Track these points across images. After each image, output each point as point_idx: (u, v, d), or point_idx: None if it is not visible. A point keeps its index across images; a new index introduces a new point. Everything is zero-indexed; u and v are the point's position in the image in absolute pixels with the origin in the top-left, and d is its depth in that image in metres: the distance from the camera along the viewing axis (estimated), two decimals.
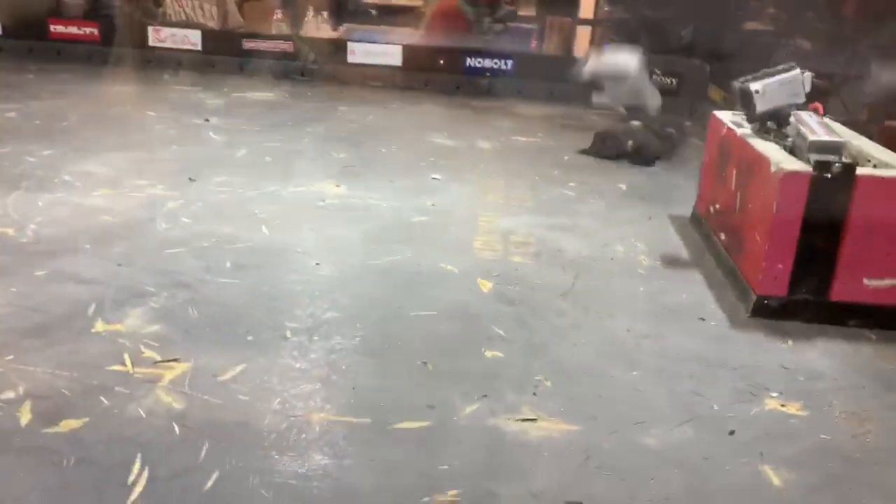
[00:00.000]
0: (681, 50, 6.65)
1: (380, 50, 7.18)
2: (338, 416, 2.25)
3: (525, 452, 2.16)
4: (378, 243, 3.55)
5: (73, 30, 7.35)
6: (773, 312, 3.03)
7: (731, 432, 2.31)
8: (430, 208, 4.06)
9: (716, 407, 2.44)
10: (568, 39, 9.10)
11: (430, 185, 4.45)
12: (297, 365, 2.51)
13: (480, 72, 7.14)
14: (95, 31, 7.30)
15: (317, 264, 3.28)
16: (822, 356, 2.81)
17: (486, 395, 2.41)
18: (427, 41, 7.30)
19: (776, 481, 2.12)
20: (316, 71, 7.25)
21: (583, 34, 9.46)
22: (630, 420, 2.34)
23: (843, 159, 2.98)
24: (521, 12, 10.28)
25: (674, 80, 6.71)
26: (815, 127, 3.09)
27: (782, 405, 2.48)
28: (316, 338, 2.69)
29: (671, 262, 3.60)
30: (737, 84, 3.33)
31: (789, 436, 2.32)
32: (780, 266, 3.00)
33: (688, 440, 2.26)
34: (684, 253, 3.71)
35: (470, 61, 7.13)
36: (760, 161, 3.08)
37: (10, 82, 6.33)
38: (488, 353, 2.67)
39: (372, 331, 2.76)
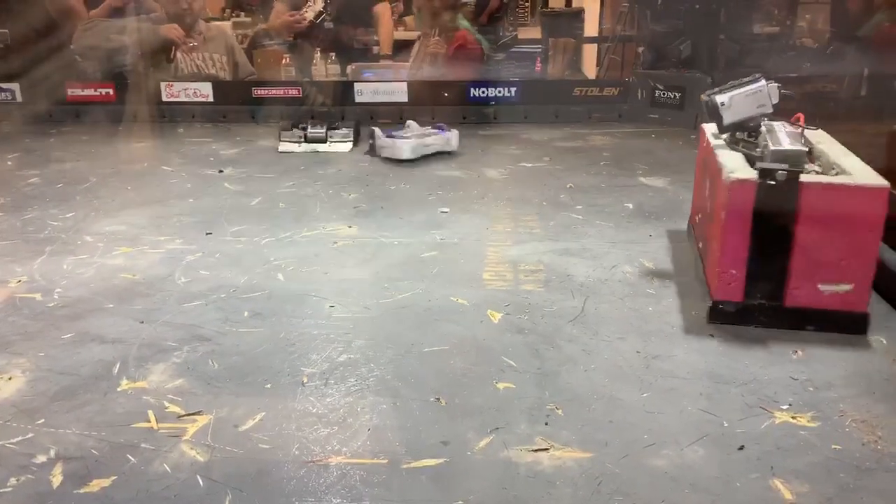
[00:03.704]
0: (680, 64, 6.73)
1: (386, 88, 7.33)
2: (354, 458, 2.32)
3: (538, 483, 2.21)
4: (390, 281, 3.64)
5: (89, 91, 7.61)
6: (729, 317, 3.12)
7: (741, 448, 2.34)
8: (439, 243, 4.14)
9: (726, 424, 2.47)
10: (573, 59, 9.23)
11: (440, 219, 4.54)
12: (314, 409, 2.59)
13: (485, 101, 7.26)
14: (111, 92, 7.55)
15: (331, 307, 3.37)
16: (832, 365, 2.83)
17: (498, 428, 2.47)
18: (442, 73, 7.44)
19: (788, 495, 2.15)
20: (325, 113, 7.42)
21: (589, 53, 9.61)
22: (641, 443, 2.38)
23: (805, 167, 3.03)
24: (524, 35, 10.45)
25: (677, 94, 6.78)
26: (782, 136, 3.15)
27: (793, 417, 2.51)
28: (332, 381, 2.77)
29: (681, 279, 3.63)
30: (704, 97, 3.42)
31: (800, 448, 2.35)
32: (734, 272, 3.08)
33: (698, 459, 2.30)
34: (694, 269, 3.75)
35: (474, 91, 7.26)
36: (720, 170, 3.17)
37: (32, 147, 6.57)
38: (500, 385, 2.73)
39: (386, 370, 2.84)
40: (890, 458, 2.29)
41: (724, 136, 3.46)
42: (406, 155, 5.91)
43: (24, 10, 7.43)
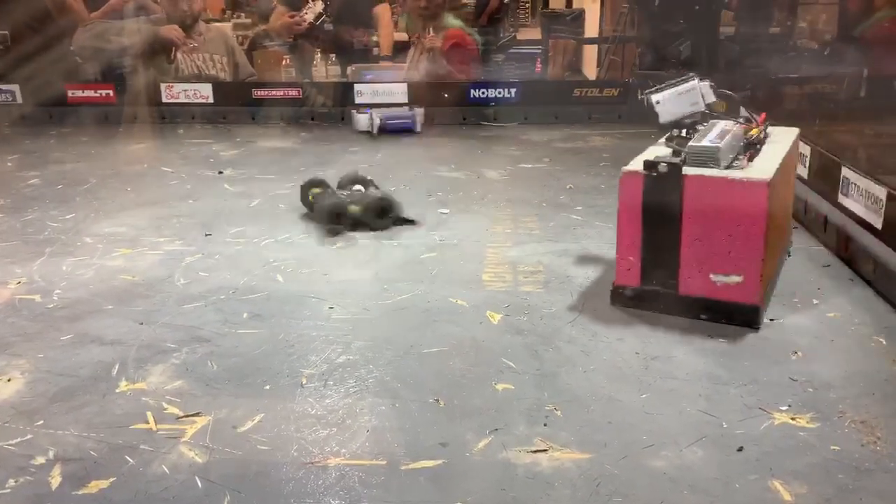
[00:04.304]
0: (680, 64, 6.72)
1: (386, 89, 7.33)
2: (353, 459, 2.32)
3: (537, 484, 2.21)
4: (389, 283, 3.64)
5: (89, 93, 7.61)
6: (628, 301, 3.29)
7: (740, 449, 2.34)
8: (439, 244, 4.14)
9: (725, 425, 2.47)
10: (573, 60, 9.24)
11: (439, 220, 4.53)
12: (313, 411, 2.58)
13: (484, 101, 7.27)
14: (111, 93, 7.56)
15: (330, 308, 3.37)
16: (832, 365, 2.83)
17: (497, 429, 2.46)
18: (438, 71, 7.45)
19: (786, 496, 2.14)
20: (325, 114, 7.43)
21: (589, 53, 9.61)
22: (640, 444, 2.37)
23: (721, 164, 3.07)
24: (524, 35, 10.45)
25: None
26: (710, 134, 3.20)
27: (792, 418, 2.50)
28: (331, 382, 2.76)
29: None
30: (642, 95, 3.47)
31: (799, 449, 2.34)
32: (632, 258, 3.22)
33: (697, 460, 2.30)
34: None
35: (473, 92, 7.26)
36: None
37: (32, 149, 6.58)
38: (499, 386, 2.73)
39: (385, 371, 2.83)
40: (889, 458, 2.28)
41: (666, 133, 3.53)
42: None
43: (24, 12, 7.44)
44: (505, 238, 4.24)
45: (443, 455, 2.34)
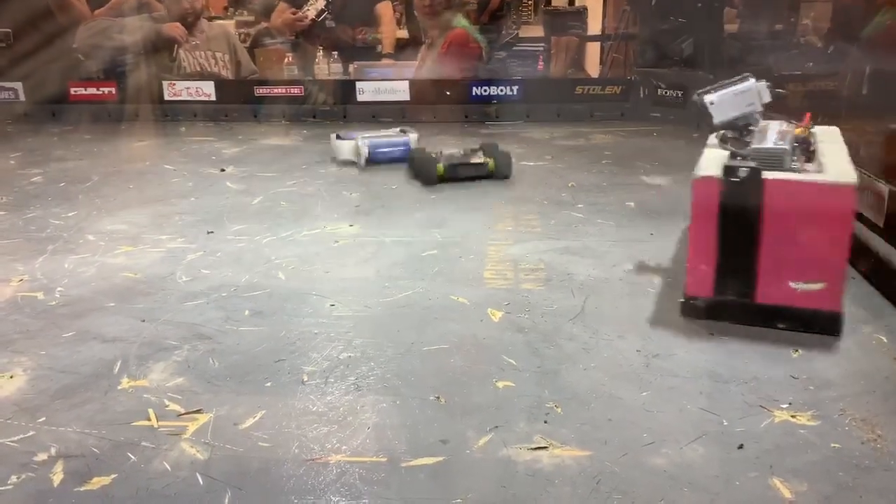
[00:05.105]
0: (682, 62, 6.72)
1: (388, 87, 7.34)
2: (354, 457, 2.33)
3: (537, 481, 2.21)
4: (391, 280, 3.64)
5: (92, 91, 7.63)
6: (700, 313, 3.14)
7: (740, 447, 2.34)
8: (440, 241, 4.15)
9: (725, 422, 2.47)
10: (576, 58, 9.22)
11: (441, 218, 4.54)
12: (314, 408, 2.59)
13: (487, 99, 7.27)
14: (113, 91, 7.57)
15: (332, 306, 3.38)
16: (832, 364, 2.83)
17: (498, 427, 2.47)
18: (438, 72, 7.44)
19: (786, 494, 2.14)
20: (327, 112, 7.43)
21: (592, 51, 9.59)
22: (640, 442, 2.38)
23: (789, 167, 3.00)
24: (526, 33, 10.43)
25: (679, 92, 6.77)
26: (770, 135, 3.14)
27: (792, 416, 2.50)
28: (332, 379, 2.77)
29: (682, 278, 3.61)
30: (695, 97, 3.40)
31: (799, 447, 2.35)
32: (704, 268, 3.09)
33: (697, 458, 2.30)
34: None
35: (476, 90, 7.26)
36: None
37: (34, 146, 6.59)
38: (500, 384, 2.73)
39: (386, 369, 2.84)
40: (889, 456, 2.29)
41: (717, 134, 3.46)
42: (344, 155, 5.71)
43: (26, 10, 7.44)
44: (506, 235, 4.24)
45: (443, 452, 2.34)
